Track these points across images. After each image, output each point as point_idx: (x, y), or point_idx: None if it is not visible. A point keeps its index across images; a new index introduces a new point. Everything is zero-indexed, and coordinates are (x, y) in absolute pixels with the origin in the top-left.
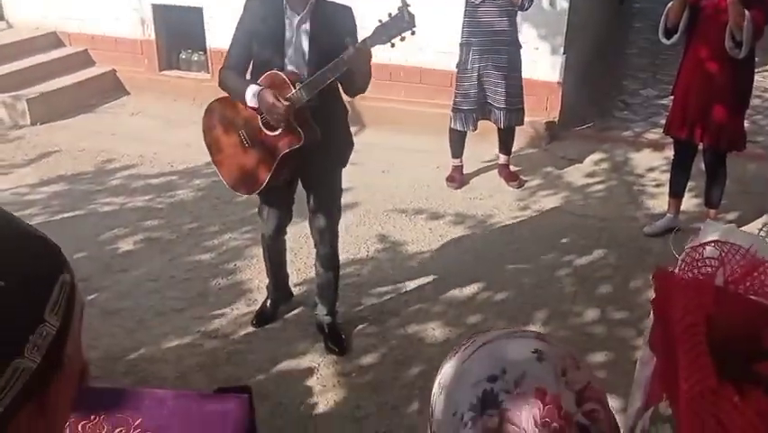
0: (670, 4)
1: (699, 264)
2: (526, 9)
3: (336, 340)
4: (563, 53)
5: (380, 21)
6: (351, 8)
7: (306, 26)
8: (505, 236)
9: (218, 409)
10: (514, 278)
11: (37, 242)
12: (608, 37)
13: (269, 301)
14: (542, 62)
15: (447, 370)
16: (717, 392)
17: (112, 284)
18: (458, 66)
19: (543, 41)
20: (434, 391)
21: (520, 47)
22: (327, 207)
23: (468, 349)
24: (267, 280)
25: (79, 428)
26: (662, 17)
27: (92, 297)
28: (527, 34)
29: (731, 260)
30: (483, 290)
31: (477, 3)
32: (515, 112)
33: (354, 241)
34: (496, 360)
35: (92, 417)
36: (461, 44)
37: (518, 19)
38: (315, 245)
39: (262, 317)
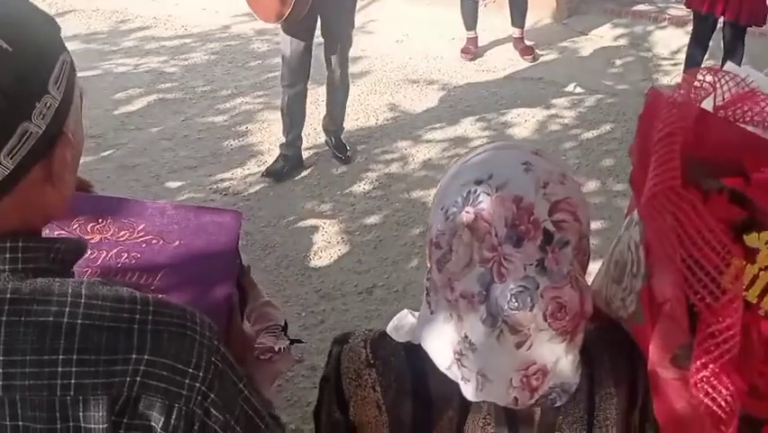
0: None
1: (694, 88)
2: None
3: (341, 149)
4: None
5: None
6: None
7: None
8: (513, 108)
9: (215, 219)
10: None
11: (44, 18)
12: None
13: (281, 158)
14: None
15: (448, 171)
16: (681, 194)
17: (128, 141)
18: None
19: None
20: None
21: None
22: (339, 30)
23: (471, 154)
24: (278, 144)
25: (88, 228)
26: None
27: (108, 153)
28: None
29: (724, 86)
30: None
31: None
32: None
33: (364, 110)
34: (487, 166)
35: (100, 220)
36: None
37: None
38: (327, 68)
39: (273, 172)
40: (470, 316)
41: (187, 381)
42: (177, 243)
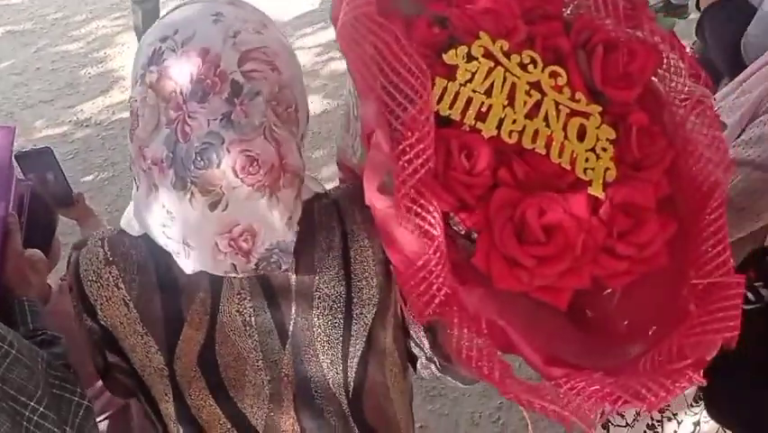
0: None
1: None
2: None
3: None
4: None
5: None
6: None
7: None
8: None
9: None
10: None
11: None
12: None
13: None
14: None
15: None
16: (378, 21)
17: None
18: None
19: None
20: None
21: None
22: None
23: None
24: None
25: None
26: None
27: None
28: None
29: None
30: None
31: None
32: None
33: None
34: (174, 22)
35: None
36: None
37: None
38: None
39: None
40: (163, 183)
41: None
42: None
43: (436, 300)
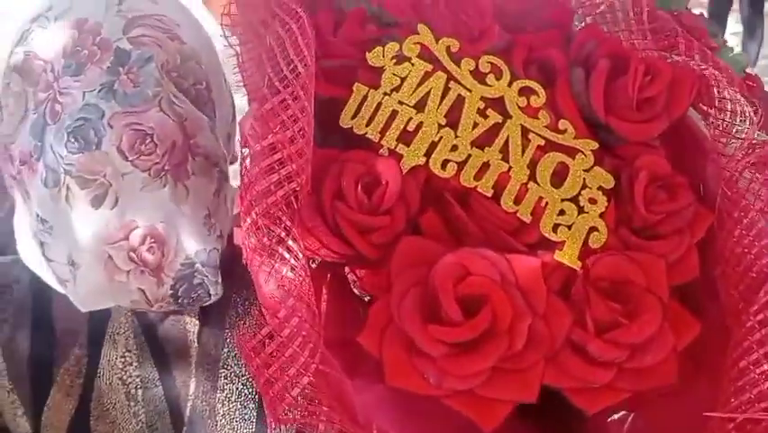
0: None
1: None
2: None
3: None
4: None
5: None
6: None
7: None
8: None
9: None
10: None
11: None
12: None
13: None
14: None
15: None
16: (290, 9)
17: None
18: None
19: None
20: None
21: None
22: None
23: None
24: None
25: None
26: None
27: None
28: None
29: None
30: None
31: None
32: None
33: None
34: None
35: None
36: None
37: None
38: None
39: None
40: (34, 183)
41: None
42: None
43: (293, 392)
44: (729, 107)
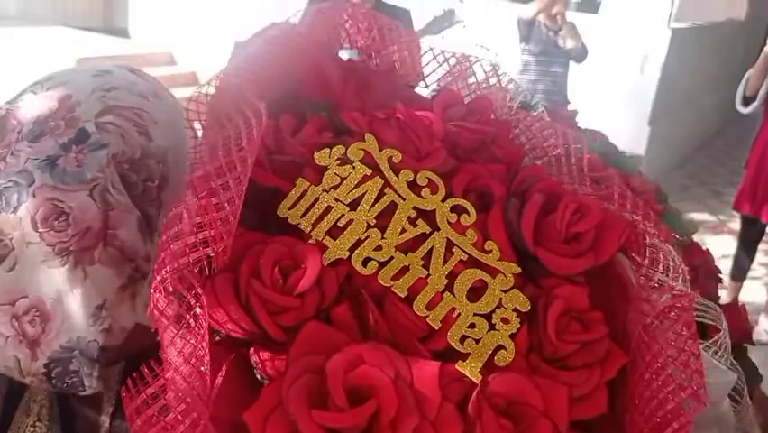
0: (750, 71)
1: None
2: (580, 62)
3: None
4: (650, 124)
5: (435, 15)
6: (408, 10)
7: None
8: None
9: None
10: None
11: None
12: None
13: None
14: (624, 131)
15: None
16: (250, 103)
17: None
18: None
19: (627, 108)
20: None
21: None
22: None
23: None
24: None
25: None
26: (741, 85)
27: None
28: (612, 99)
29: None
30: None
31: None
32: None
33: None
34: (59, 72)
35: None
36: None
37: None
38: None
39: None
40: None
41: None
42: None
43: None
44: (655, 257)
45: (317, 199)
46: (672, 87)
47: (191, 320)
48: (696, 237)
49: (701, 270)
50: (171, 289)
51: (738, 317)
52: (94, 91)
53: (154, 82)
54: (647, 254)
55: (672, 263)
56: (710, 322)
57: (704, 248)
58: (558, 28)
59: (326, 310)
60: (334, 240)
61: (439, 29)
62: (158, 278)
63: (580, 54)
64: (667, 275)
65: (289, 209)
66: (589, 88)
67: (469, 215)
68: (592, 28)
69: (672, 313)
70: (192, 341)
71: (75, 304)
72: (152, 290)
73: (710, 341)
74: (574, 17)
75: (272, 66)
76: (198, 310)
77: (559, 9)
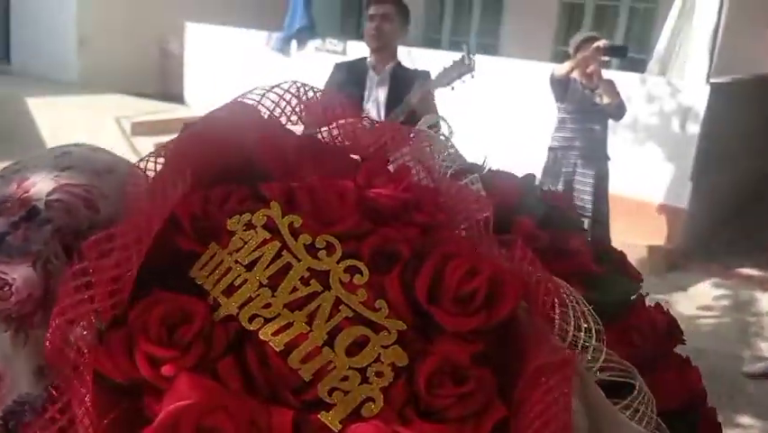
0: None
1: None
2: (618, 119)
3: None
4: (692, 179)
5: (444, 67)
6: (429, 72)
7: (385, 87)
8: None
9: None
10: None
11: None
12: None
13: None
14: (666, 186)
15: None
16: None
17: None
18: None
19: (668, 163)
20: None
21: (608, 159)
22: None
23: None
24: None
25: None
26: None
27: None
28: (653, 154)
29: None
30: None
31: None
32: (597, 224)
33: None
34: (32, 158)
35: None
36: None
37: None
38: None
39: None
40: None
41: None
42: None
43: None
44: (565, 317)
45: (222, 261)
46: (715, 143)
47: (81, 366)
48: (744, 292)
49: (637, 330)
50: (63, 338)
51: (688, 378)
52: (50, 172)
53: (114, 158)
54: (555, 313)
55: (577, 323)
56: (624, 380)
57: (649, 307)
58: (595, 86)
59: (214, 362)
60: (227, 298)
61: (449, 80)
62: (53, 324)
63: (618, 111)
64: (565, 337)
65: (199, 270)
66: (631, 145)
67: (362, 275)
68: (634, 85)
69: (550, 368)
70: (80, 386)
71: (19, 365)
72: (49, 336)
73: (627, 400)
74: (615, 76)
75: (221, 139)
76: (87, 355)
77: (594, 68)
